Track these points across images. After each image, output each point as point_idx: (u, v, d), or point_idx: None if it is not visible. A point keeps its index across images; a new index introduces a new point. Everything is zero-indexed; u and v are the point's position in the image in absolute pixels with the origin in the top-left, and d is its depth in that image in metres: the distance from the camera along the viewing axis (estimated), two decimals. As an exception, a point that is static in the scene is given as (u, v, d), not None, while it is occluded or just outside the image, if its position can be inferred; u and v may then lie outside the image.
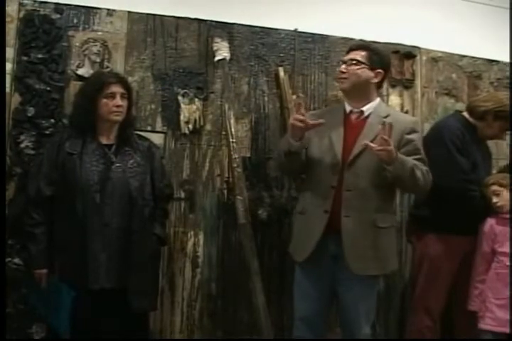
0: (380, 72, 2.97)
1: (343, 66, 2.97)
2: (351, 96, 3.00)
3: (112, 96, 2.91)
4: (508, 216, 3.22)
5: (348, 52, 3.02)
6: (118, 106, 2.91)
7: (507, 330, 3.10)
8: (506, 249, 3.17)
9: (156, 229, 3.01)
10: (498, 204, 3.23)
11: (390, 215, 3.02)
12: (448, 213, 3.29)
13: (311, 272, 2.96)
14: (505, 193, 3.23)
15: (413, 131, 2.97)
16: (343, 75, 2.96)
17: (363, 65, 2.94)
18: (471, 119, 3.44)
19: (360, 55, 2.95)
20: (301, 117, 2.80)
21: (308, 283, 2.98)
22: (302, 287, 3.01)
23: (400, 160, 2.76)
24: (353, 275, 2.86)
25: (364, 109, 2.98)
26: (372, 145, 2.71)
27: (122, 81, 2.99)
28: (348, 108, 3.01)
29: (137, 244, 2.88)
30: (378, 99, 3.05)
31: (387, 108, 3.21)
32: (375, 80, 2.98)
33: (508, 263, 3.15)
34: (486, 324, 3.16)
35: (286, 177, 3.64)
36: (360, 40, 3.83)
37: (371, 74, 2.95)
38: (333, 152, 2.91)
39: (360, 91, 2.97)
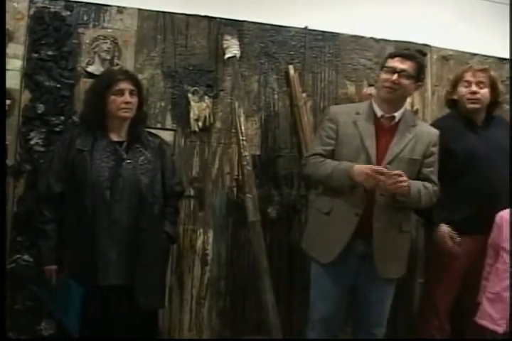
0: (420, 85, 3.08)
1: (396, 76, 2.94)
2: (389, 103, 3.00)
3: (121, 92, 2.91)
4: None
5: (396, 58, 2.99)
6: (127, 102, 2.91)
7: (485, 324, 3.07)
8: (508, 245, 3.11)
9: (166, 227, 3.01)
10: None
11: (410, 220, 3.09)
12: (447, 212, 3.29)
13: (335, 272, 2.95)
14: None
15: (436, 143, 3.06)
16: (394, 86, 2.95)
17: (412, 79, 2.96)
18: (460, 109, 3.45)
19: (411, 66, 2.96)
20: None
21: (330, 283, 2.97)
22: (323, 287, 3.00)
23: (412, 192, 2.87)
24: (376, 276, 2.92)
25: (396, 114, 3.00)
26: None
27: (131, 78, 2.99)
28: (379, 112, 3.01)
29: (146, 241, 2.88)
30: (405, 106, 3.09)
31: (413, 116, 3.25)
32: (414, 92, 3.10)
33: (507, 260, 3.10)
34: (476, 316, 3.13)
35: (296, 176, 3.63)
36: (371, 38, 3.86)
37: (414, 86, 3.01)
38: (367, 156, 2.92)
39: (399, 101, 3.03)
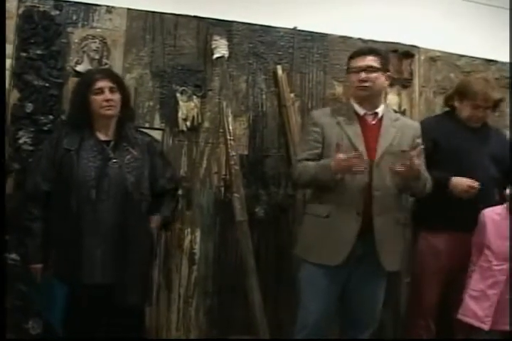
0: (389, 75, 3.09)
1: (364, 74, 2.98)
2: (367, 102, 3.04)
3: (101, 91, 2.92)
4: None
5: (357, 57, 3.03)
6: (107, 100, 2.91)
7: (468, 321, 3.10)
8: (495, 245, 3.14)
9: (162, 212, 3.05)
10: None
11: (407, 213, 3.13)
12: (428, 210, 3.32)
13: (335, 273, 2.94)
14: None
15: (420, 136, 3.11)
16: (365, 84, 2.99)
17: (379, 72, 3.00)
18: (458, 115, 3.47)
19: (375, 60, 3.00)
20: (358, 162, 2.81)
21: (327, 285, 2.96)
22: (319, 289, 2.97)
23: (423, 176, 2.94)
24: (376, 272, 2.95)
25: (378, 110, 3.05)
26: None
27: (110, 75, 3.00)
28: (361, 111, 3.04)
29: (132, 239, 2.88)
30: (384, 102, 3.17)
31: (392, 111, 3.31)
32: (387, 83, 3.10)
33: (490, 258, 3.13)
34: (458, 313, 3.16)
35: (283, 175, 3.64)
36: (359, 38, 3.86)
37: (384, 78, 3.04)
38: None
39: (376, 97, 3.06)
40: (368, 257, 2.92)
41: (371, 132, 3.00)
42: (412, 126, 3.13)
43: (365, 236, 2.89)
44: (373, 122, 3.03)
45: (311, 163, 2.98)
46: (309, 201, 3.17)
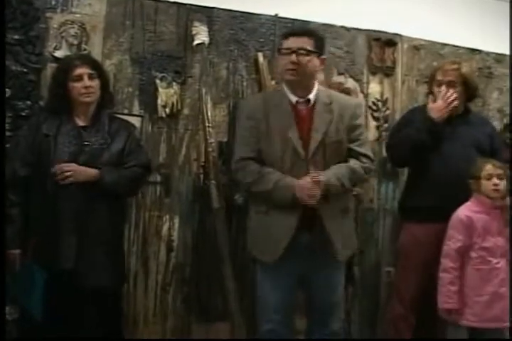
0: (324, 59, 2.94)
1: (294, 56, 2.81)
2: (297, 86, 2.90)
3: (80, 78, 2.91)
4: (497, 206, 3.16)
5: (290, 37, 2.88)
6: (86, 87, 2.91)
7: (492, 325, 3.06)
8: (489, 243, 3.11)
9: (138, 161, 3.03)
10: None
11: (350, 201, 3.03)
12: (412, 200, 3.30)
13: (282, 265, 2.84)
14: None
15: (359, 115, 2.98)
16: (294, 66, 2.83)
17: (312, 55, 2.85)
18: None
19: (308, 43, 2.84)
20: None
21: (281, 277, 2.89)
22: (273, 280, 2.91)
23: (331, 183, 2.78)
24: (326, 263, 2.88)
25: (310, 97, 2.91)
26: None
27: (89, 62, 3.00)
28: (293, 98, 2.90)
29: (101, 222, 2.89)
30: (317, 84, 2.97)
31: (328, 92, 3.05)
32: (321, 68, 2.96)
33: (489, 258, 3.09)
34: (466, 320, 3.08)
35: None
36: (342, 26, 3.84)
37: (318, 62, 2.90)
38: (293, 148, 2.83)
39: (308, 81, 2.90)
40: (316, 248, 2.84)
41: (304, 123, 2.86)
42: (349, 106, 2.94)
43: (311, 228, 2.82)
44: (306, 110, 2.88)
45: (268, 174, 2.83)
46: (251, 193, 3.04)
